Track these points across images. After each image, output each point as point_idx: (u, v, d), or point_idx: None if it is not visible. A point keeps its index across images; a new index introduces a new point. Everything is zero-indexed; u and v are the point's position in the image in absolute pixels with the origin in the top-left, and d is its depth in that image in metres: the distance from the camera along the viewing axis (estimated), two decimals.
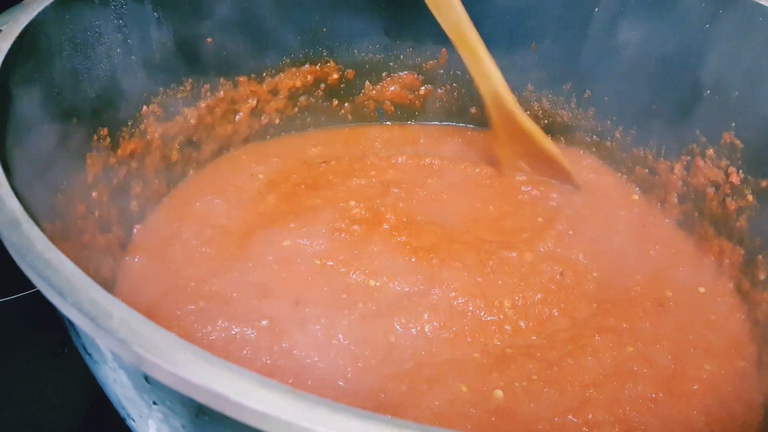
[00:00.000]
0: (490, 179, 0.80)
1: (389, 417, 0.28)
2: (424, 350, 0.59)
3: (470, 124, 0.92)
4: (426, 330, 0.60)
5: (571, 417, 0.54)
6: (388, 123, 0.93)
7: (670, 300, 0.66)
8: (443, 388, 0.55)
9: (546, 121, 0.87)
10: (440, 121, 0.93)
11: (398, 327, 0.60)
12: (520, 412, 0.54)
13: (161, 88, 0.73)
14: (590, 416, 0.54)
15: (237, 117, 0.83)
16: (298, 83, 0.86)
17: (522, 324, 0.62)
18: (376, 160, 0.83)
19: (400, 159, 0.83)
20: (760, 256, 0.66)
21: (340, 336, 0.59)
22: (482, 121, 0.91)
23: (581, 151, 0.86)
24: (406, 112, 0.93)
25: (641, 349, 0.60)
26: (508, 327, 0.61)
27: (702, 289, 0.68)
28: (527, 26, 0.82)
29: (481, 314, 0.62)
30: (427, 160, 0.82)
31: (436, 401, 0.54)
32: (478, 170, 0.81)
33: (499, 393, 0.55)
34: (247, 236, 0.69)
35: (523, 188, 0.79)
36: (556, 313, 0.63)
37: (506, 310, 0.63)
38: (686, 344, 0.61)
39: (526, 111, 0.88)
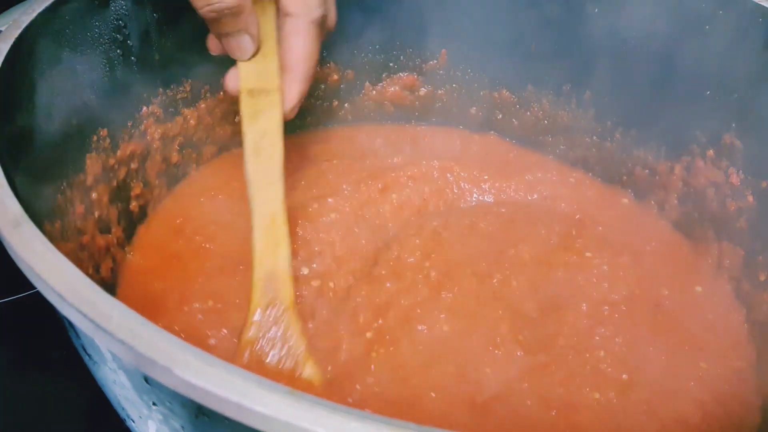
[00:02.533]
0: (489, 182, 0.80)
1: (388, 418, 0.28)
2: (436, 346, 0.59)
3: (471, 126, 0.92)
4: (437, 329, 0.60)
5: (553, 412, 0.55)
6: (388, 123, 0.93)
7: (666, 299, 0.66)
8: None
9: (546, 122, 0.87)
10: (440, 123, 0.93)
11: (420, 326, 0.60)
12: (514, 406, 0.55)
13: (161, 89, 0.73)
14: (586, 416, 0.54)
15: (237, 118, 0.83)
16: None
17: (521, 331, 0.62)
18: (377, 161, 0.83)
19: (400, 160, 0.83)
20: (760, 257, 0.66)
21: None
22: (482, 123, 0.92)
23: (568, 167, 0.86)
24: (406, 113, 0.93)
25: (635, 348, 0.60)
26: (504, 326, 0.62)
27: (699, 288, 0.69)
28: (527, 27, 0.82)
29: (491, 315, 0.62)
30: (425, 162, 0.82)
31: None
32: (476, 173, 0.81)
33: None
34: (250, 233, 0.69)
35: (517, 196, 0.79)
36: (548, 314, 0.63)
37: (500, 313, 0.63)
38: (681, 342, 0.62)
39: (525, 112, 0.88)
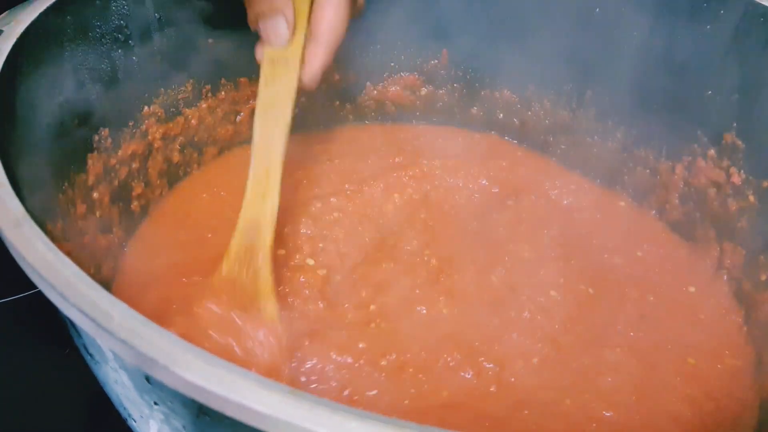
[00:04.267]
0: (490, 182, 0.80)
1: (389, 417, 0.28)
2: (443, 330, 0.61)
3: (472, 125, 0.92)
4: (435, 311, 0.62)
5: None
6: (389, 123, 0.93)
7: (655, 301, 0.67)
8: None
9: (547, 122, 0.87)
10: (441, 122, 0.93)
11: (422, 309, 0.62)
12: (511, 397, 0.56)
13: (162, 89, 0.73)
14: (572, 414, 0.55)
15: (238, 118, 0.83)
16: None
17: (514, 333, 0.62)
18: (378, 160, 0.83)
19: (402, 160, 0.83)
20: (761, 257, 0.66)
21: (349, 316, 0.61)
22: (484, 123, 0.92)
23: (569, 166, 0.86)
24: (407, 113, 0.93)
25: (621, 345, 0.61)
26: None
27: (692, 289, 0.69)
28: (528, 27, 0.82)
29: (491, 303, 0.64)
30: (426, 162, 0.82)
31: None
32: (477, 173, 0.81)
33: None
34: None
35: (518, 195, 0.79)
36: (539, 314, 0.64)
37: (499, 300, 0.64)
38: (667, 341, 0.62)
39: (527, 112, 0.88)
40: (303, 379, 0.55)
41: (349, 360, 0.56)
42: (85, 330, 0.34)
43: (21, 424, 0.63)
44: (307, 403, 0.28)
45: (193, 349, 0.31)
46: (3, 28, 0.53)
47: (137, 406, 0.41)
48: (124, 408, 0.44)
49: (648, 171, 0.79)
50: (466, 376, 0.57)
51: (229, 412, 0.29)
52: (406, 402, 0.54)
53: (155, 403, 0.38)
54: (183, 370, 0.30)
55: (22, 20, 0.54)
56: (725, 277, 0.70)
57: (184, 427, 0.38)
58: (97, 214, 0.63)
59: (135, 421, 0.44)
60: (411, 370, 0.56)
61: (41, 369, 0.68)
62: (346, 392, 0.55)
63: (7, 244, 0.38)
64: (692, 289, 0.69)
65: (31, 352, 0.69)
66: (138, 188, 0.71)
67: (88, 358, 0.44)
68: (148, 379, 0.36)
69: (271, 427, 0.29)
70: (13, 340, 0.70)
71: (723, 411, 0.57)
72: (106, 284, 0.62)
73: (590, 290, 0.66)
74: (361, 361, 0.56)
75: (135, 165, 0.70)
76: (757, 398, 0.59)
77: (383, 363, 0.57)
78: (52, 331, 0.69)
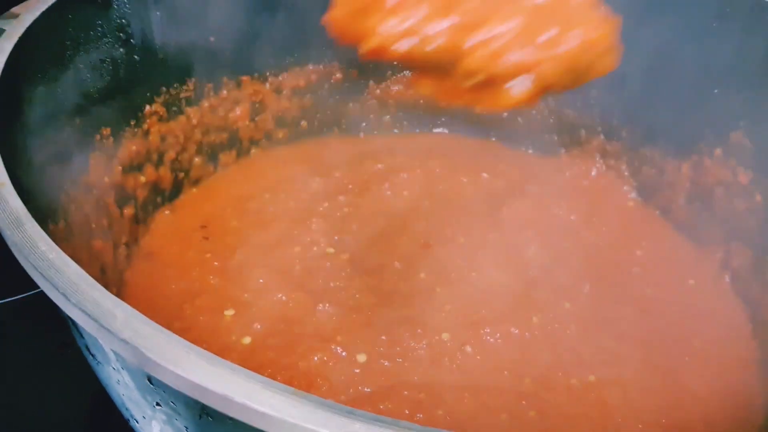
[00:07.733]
0: (496, 180, 0.81)
1: (393, 419, 0.27)
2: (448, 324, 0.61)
3: (476, 124, 0.92)
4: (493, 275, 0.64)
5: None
6: (392, 122, 0.93)
7: (660, 295, 0.67)
8: None
9: (552, 120, 0.87)
10: (445, 121, 0.93)
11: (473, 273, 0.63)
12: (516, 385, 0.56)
13: (164, 88, 0.73)
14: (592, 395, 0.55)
15: (239, 115, 0.83)
16: (302, 82, 0.86)
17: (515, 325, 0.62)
18: (382, 159, 0.83)
19: (404, 159, 0.83)
20: None
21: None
22: (488, 121, 0.91)
23: (574, 163, 0.85)
24: (410, 112, 0.93)
25: (631, 333, 0.61)
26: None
27: (692, 282, 0.69)
28: None
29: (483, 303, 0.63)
30: (430, 161, 0.82)
31: None
32: (482, 170, 0.81)
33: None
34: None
35: (525, 194, 0.79)
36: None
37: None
38: (674, 329, 0.63)
39: (531, 110, 0.88)
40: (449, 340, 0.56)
41: (448, 315, 0.58)
42: (87, 330, 0.33)
43: (23, 425, 0.63)
44: (311, 404, 0.28)
45: (196, 349, 0.30)
46: (5, 27, 0.53)
47: (140, 407, 0.40)
48: (127, 409, 0.44)
49: (654, 170, 0.79)
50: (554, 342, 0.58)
51: (232, 412, 0.29)
52: (528, 368, 0.56)
53: (158, 404, 0.38)
54: (185, 370, 0.30)
55: (24, 19, 0.54)
56: (730, 277, 0.69)
57: (186, 428, 0.37)
58: (99, 213, 0.62)
59: (137, 422, 0.44)
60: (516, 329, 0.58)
61: (43, 370, 0.67)
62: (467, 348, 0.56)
63: (9, 244, 0.38)
64: (692, 282, 0.69)
65: (33, 353, 0.69)
66: (141, 187, 0.71)
67: (90, 358, 0.44)
68: (150, 379, 0.36)
69: (273, 429, 0.28)
70: (15, 341, 0.70)
71: (736, 397, 0.57)
72: (109, 285, 0.62)
73: (598, 281, 0.67)
74: (473, 313, 0.59)
75: (137, 164, 0.70)
76: (761, 399, 0.59)
77: (483, 312, 0.59)
78: (53, 332, 0.69)
